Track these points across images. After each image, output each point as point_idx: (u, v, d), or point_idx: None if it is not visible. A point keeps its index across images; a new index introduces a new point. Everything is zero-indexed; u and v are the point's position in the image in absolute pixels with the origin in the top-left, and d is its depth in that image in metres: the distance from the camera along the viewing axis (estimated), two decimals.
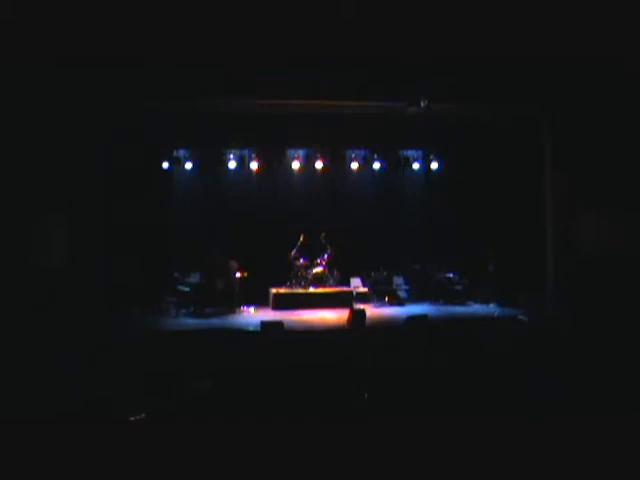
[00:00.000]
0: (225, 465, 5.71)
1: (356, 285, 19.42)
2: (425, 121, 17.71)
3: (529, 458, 5.78)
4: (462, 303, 18.82)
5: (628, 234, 15.56)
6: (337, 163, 20.07)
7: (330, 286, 19.06)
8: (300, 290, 18.82)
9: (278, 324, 13.55)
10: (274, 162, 19.73)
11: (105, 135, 16.16)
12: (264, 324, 13.60)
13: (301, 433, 6.09)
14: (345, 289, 19.12)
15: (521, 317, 15.96)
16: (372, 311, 17.37)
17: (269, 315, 17.12)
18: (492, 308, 17.98)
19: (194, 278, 17.99)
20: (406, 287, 19.57)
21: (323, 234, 19.02)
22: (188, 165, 19.15)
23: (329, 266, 19.25)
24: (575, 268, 16.36)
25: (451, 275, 19.32)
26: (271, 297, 18.41)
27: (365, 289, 19.30)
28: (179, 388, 7.55)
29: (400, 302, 18.88)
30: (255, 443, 5.92)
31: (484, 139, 18.73)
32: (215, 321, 16.49)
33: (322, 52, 13.23)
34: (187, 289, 17.61)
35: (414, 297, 19.41)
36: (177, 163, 19.12)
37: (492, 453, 5.82)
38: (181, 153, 19.16)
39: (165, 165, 18.92)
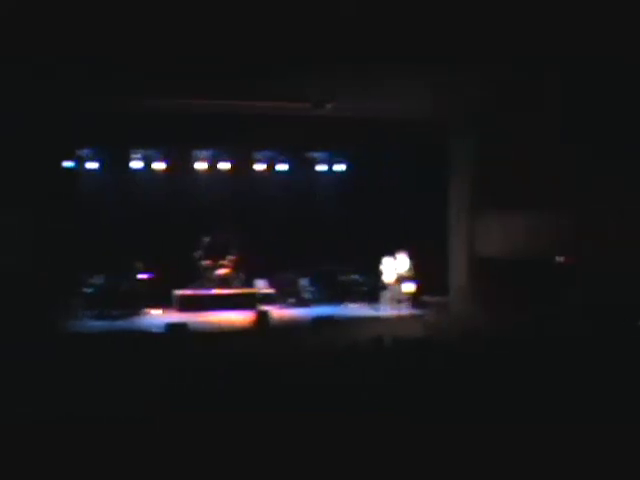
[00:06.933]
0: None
1: (261, 286, 19.46)
2: (331, 122, 17.81)
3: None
4: (368, 304, 19.04)
5: (529, 236, 15.83)
6: (243, 164, 20.07)
7: (235, 287, 19.08)
8: (205, 291, 18.78)
9: (182, 326, 13.57)
10: (180, 162, 19.56)
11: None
12: (168, 326, 13.57)
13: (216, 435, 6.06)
14: (250, 290, 19.17)
15: (427, 317, 16.36)
16: (277, 312, 17.48)
17: (174, 317, 17.00)
18: (404, 308, 18.04)
19: (98, 279, 17.71)
20: (311, 288, 19.71)
21: (229, 235, 19.00)
22: (92, 164, 18.80)
23: (235, 267, 19.26)
24: (477, 268, 16.77)
25: (357, 277, 19.54)
26: (176, 298, 18.32)
27: (271, 290, 19.37)
28: (87, 392, 7.44)
29: (305, 303, 19.05)
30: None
31: (387, 141, 18.90)
32: (120, 323, 16.33)
33: (223, 51, 13.04)
34: (91, 290, 17.34)
35: (320, 298, 19.56)
36: (81, 162, 18.72)
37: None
38: (85, 152, 18.73)
39: (69, 164, 18.47)
